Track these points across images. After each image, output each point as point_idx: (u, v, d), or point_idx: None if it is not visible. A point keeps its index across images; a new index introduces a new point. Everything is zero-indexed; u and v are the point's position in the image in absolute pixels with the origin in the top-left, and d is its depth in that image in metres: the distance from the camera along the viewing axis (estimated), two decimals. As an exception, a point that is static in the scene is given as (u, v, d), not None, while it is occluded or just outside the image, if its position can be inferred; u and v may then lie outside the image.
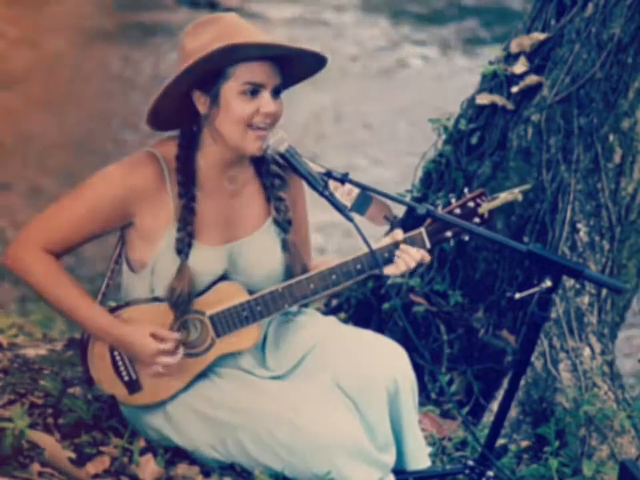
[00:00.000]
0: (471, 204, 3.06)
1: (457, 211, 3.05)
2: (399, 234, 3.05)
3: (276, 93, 2.93)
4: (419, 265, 3.06)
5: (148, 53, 11.59)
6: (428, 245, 3.05)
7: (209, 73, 2.88)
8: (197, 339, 3.02)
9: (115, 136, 9.32)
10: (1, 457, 2.73)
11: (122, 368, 3.03)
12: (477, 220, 3.06)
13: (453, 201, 3.06)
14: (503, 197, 3.07)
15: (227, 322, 3.00)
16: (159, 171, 2.95)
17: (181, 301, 2.95)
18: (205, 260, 2.98)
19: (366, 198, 3.02)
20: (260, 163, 3.09)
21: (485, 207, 3.06)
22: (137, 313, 3.00)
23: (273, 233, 3.08)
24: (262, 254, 3.05)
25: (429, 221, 3.05)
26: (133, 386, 3.03)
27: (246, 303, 3.00)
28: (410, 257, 3.02)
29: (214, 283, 3.01)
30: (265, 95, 2.89)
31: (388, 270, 3.04)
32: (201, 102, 2.93)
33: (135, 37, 12.01)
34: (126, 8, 12.96)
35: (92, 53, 11.49)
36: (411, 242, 3.04)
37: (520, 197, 3.07)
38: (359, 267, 3.02)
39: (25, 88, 10.26)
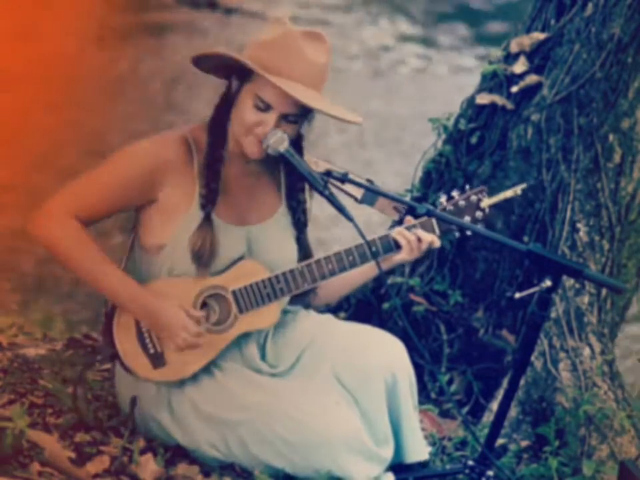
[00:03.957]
0: (474, 198, 3.15)
1: (462, 203, 3.13)
2: (409, 220, 3.12)
3: (289, 118, 2.95)
4: (427, 251, 3.13)
5: (148, 53, 11.59)
6: (437, 231, 3.13)
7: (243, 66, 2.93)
8: (220, 315, 3.04)
9: (115, 136, 9.32)
10: (1, 457, 2.73)
11: (147, 340, 3.03)
12: (479, 214, 3.14)
13: (456, 195, 3.14)
14: (503, 193, 3.18)
15: (250, 298, 3.03)
16: (188, 151, 3.01)
17: (203, 251, 2.98)
18: (226, 235, 3.02)
19: (375, 189, 3.07)
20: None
21: (487, 202, 3.15)
22: (164, 285, 3.01)
23: (284, 224, 3.12)
24: (275, 242, 3.10)
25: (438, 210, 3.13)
26: (158, 360, 3.03)
27: (267, 280, 3.04)
28: (421, 238, 3.08)
29: (236, 261, 3.04)
30: (272, 116, 2.93)
31: (400, 255, 3.10)
32: (233, 85, 3.00)
33: (135, 36, 12.01)
34: (126, 8, 12.96)
35: (92, 52, 11.48)
36: (421, 228, 3.12)
37: (519, 192, 3.17)
38: (374, 249, 3.07)
39: (25, 88, 10.25)
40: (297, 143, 3.05)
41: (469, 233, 3.12)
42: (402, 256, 3.10)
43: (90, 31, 12.15)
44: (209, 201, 3.00)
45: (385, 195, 3.09)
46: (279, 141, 2.96)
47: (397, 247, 3.10)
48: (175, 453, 3.07)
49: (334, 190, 3.05)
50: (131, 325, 3.03)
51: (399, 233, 3.10)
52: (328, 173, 3.03)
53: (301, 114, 2.97)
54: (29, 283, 6.62)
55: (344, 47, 12.20)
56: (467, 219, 3.14)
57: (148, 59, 11.39)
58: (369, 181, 3.13)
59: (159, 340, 3.02)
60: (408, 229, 3.11)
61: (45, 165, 8.65)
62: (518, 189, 3.15)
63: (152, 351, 3.03)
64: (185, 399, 3.04)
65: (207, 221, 2.99)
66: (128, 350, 3.04)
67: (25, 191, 8.04)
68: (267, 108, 2.93)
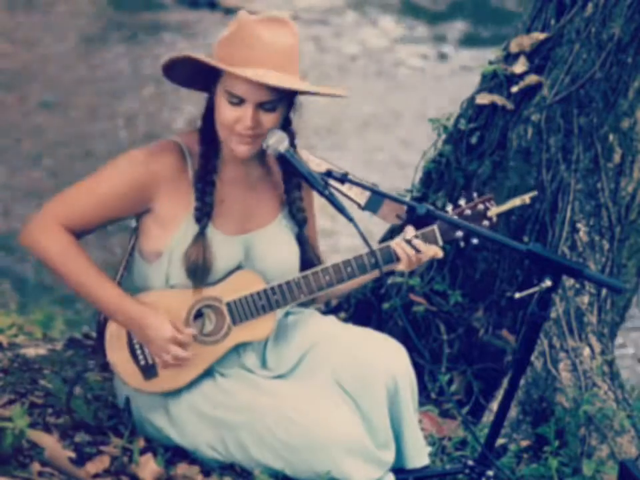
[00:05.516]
0: (481, 206, 3.13)
1: (468, 212, 3.11)
2: (410, 230, 3.08)
3: (266, 107, 2.91)
4: (430, 260, 3.10)
5: (148, 53, 11.59)
6: (440, 242, 3.09)
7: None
8: (214, 326, 3.03)
9: (115, 135, 9.32)
10: (1, 457, 2.73)
11: (139, 352, 3.02)
12: (486, 222, 3.13)
13: (462, 202, 3.12)
14: (512, 201, 3.14)
15: (244, 310, 3.01)
16: (182, 159, 2.98)
17: (197, 267, 2.95)
18: (223, 247, 3.00)
19: (379, 196, 3.07)
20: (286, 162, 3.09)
21: (494, 211, 3.13)
22: (155, 297, 3.00)
23: (285, 227, 3.10)
24: (275, 247, 3.07)
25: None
26: (149, 371, 3.02)
27: (263, 291, 3.02)
28: (421, 251, 3.05)
29: (232, 271, 3.02)
30: (247, 109, 2.89)
31: (399, 267, 3.08)
32: (213, 92, 2.98)
33: (135, 36, 12.01)
34: (126, 8, 12.96)
35: (92, 52, 11.48)
36: (423, 238, 3.08)
37: (528, 201, 3.14)
38: (373, 260, 3.04)
39: (25, 88, 10.26)
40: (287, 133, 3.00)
41: (475, 241, 3.10)
42: (400, 267, 3.08)
43: (89, 30, 12.15)
44: (203, 214, 2.97)
45: (385, 195, 3.08)
46: (279, 141, 2.95)
47: (398, 258, 3.07)
48: (175, 453, 3.07)
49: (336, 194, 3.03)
50: (122, 335, 3.02)
51: (398, 245, 3.06)
52: (328, 174, 3.03)
53: (278, 99, 2.91)
54: (29, 283, 6.62)
55: (343, 47, 12.21)
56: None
57: (147, 58, 11.39)
58: (374, 185, 3.11)
59: (150, 351, 3.02)
60: (409, 240, 3.07)
61: (44, 165, 8.65)
62: (527, 197, 3.13)
63: (143, 362, 3.03)
64: (183, 401, 3.04)
65: (202, 235, 2.97)
66: (119, 360, 3.03)
67: (24, 190, 8.05)
68: (240, 101, 2.89)
